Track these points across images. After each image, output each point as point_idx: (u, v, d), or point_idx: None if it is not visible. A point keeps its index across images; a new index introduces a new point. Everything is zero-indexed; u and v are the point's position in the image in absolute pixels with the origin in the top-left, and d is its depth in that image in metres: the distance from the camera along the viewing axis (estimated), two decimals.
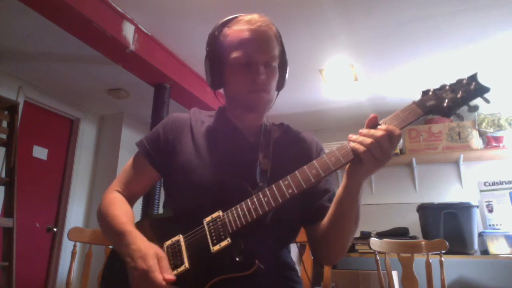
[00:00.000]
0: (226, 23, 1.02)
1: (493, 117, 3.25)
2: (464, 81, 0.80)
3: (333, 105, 3.52)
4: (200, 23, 2.32)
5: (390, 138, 0.77)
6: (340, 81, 3.10)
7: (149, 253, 0.81)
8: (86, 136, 3.69)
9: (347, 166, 0.84)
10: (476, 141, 3.23)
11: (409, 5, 2.19)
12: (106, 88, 3.27)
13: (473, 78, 0.80)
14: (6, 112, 2.65)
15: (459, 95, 0.79)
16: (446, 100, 0.79)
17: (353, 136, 0.81)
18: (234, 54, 0.98)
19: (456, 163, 3.48)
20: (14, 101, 2.79)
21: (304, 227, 1.05)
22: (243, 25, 0.99)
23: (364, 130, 0.80)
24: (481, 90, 0.78)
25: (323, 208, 0.98)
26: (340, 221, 0.90)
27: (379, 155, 0.77)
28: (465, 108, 0.80)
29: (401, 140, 3.41)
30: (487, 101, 0.78)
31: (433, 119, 3.43)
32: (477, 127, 3.26)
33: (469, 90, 0.78)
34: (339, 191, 0.88)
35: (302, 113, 3.72)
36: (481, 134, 3.27)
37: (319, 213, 0.98)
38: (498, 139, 3.22)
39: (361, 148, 0.78)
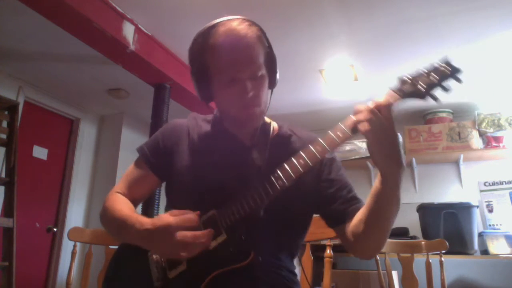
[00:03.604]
0: (204, 35, 0.97)
1: (493, 117, 3.24)
2: (436, 64, 0.84)
3: (333, 105, 3.52)
4: (200, 23, 2.30)
5: (378, 108, 0.81)
6: (340, 81, 3.10)
7: (162, 216, 0.84)
8: (86, 136, 3.69)
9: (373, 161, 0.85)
10: (476, 141, 3.23)
11: (409, 5, 2.19)
12: (106, 88, 3.27)
13: (444, 60, 0.84)
14: (6, 112, 2.65)
15: (431, 77, 0.83)
16: (420, 83, 0.83)
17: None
18: (219, 73, 0.95)
19: (456, 163, 3.48)
20: (14, 101, 2.79)
21: (331, 228, 1.05)
22: (221, 40, 0.93)
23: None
24: (453, 71, 0.81)
25: (347, 208, 0.99)
26: (382, 214, 0.89)
27: (377, 129, 0.79)
28: (440, 90, 0.83)
29: (401, 140, 3.41)
30: (459, 80, 0.82)
31: (433, 119, 3.43)
32: (477, 127, 3.26)
33: (441, 71, 0.82)
34: (376, 185, 0.87)
35: (302, 113, 3.72)
36: (481, 134, 3.27)
37: (344, 214, 0.99)
38: (498, 139, 3.22)
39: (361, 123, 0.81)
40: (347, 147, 3.42)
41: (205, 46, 0.96)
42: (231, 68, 0.93)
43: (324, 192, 1.02)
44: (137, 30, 2.45)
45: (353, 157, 3.38)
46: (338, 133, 0.86)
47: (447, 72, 0.82)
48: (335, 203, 1.01)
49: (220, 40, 0.94)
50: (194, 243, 0.80)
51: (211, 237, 0.83)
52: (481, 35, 2.45)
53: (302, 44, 2.59)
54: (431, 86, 0.82)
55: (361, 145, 3.39)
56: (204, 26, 0.99)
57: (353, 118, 0.84)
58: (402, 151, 0.83)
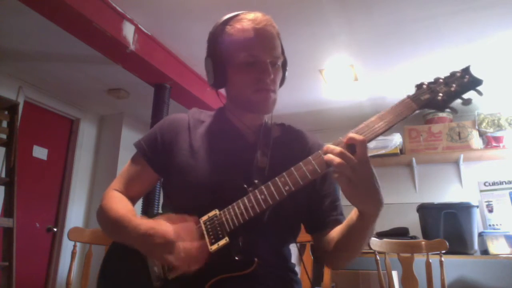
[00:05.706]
0: (227, 22, 1.00)
1: (493, 117, 3.24)
2: (458, 74, 0.80)
3: (333, 105, 3.52)
4: (200, 23, 2.32)
5: (352, 146, 0.75)
6: (340, 81, 3.10)
7: (160, 223, 0.84)
8: (86, 136, 3.69)
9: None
10: (476, 141, 3.23)
11: (409, 4, 2.19)
12: (106, 88, 3.27)
13: (466, 71, 0.80)
14: (6, 112, 2.65)
15: (453, 88, 0.78)
16: (440, 94, 0.79)
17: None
18: (240, 54, 0.96)
19: (456, 163, 3.48)
20: (14, 101, 2.79)
21: (309, 234, 1.05)
22: (247, 24, 0.97)
23: (328, 147, 0.78)
24: (474, 83, 0.78)
25: (327, 217, 0.99)
26: (354, 241, 0.89)
27: (350, 175, 0.74)
28: (459, 101, 0.80)
29: (401, 140, 3.41)
30: (480, 93, 0.78)
31: (433, 119, 3.43)
32: (477, 127, 3.26)
33: (462, 83, 0.78)
34: (352, 218, 0.85)
35: (302, 113, 3.72)
36: (481, 134, 3.27)
37: (323, 223, 0.99)
38: (498, 139, 3.22)
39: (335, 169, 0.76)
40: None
41: (230, 30, 0.98)
42: (256, 48, 0.95)
43: (312, 196, 1.01)
44: (137, 30, 2.45)
45: None
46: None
47: (468, 84, 0.77)
48: (317, 211, 1.01)
49: (247, 23, 0.97)
50: (188, 259, 0.80)
51: (204, 259, 0.81)
52: (481, 35, 2.45)
53: (302, 44, 2.59)
54: (451, 98, 0.78)
55: None
56: (226, 16, 1.02)
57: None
58: (379, 188, 0.77)
